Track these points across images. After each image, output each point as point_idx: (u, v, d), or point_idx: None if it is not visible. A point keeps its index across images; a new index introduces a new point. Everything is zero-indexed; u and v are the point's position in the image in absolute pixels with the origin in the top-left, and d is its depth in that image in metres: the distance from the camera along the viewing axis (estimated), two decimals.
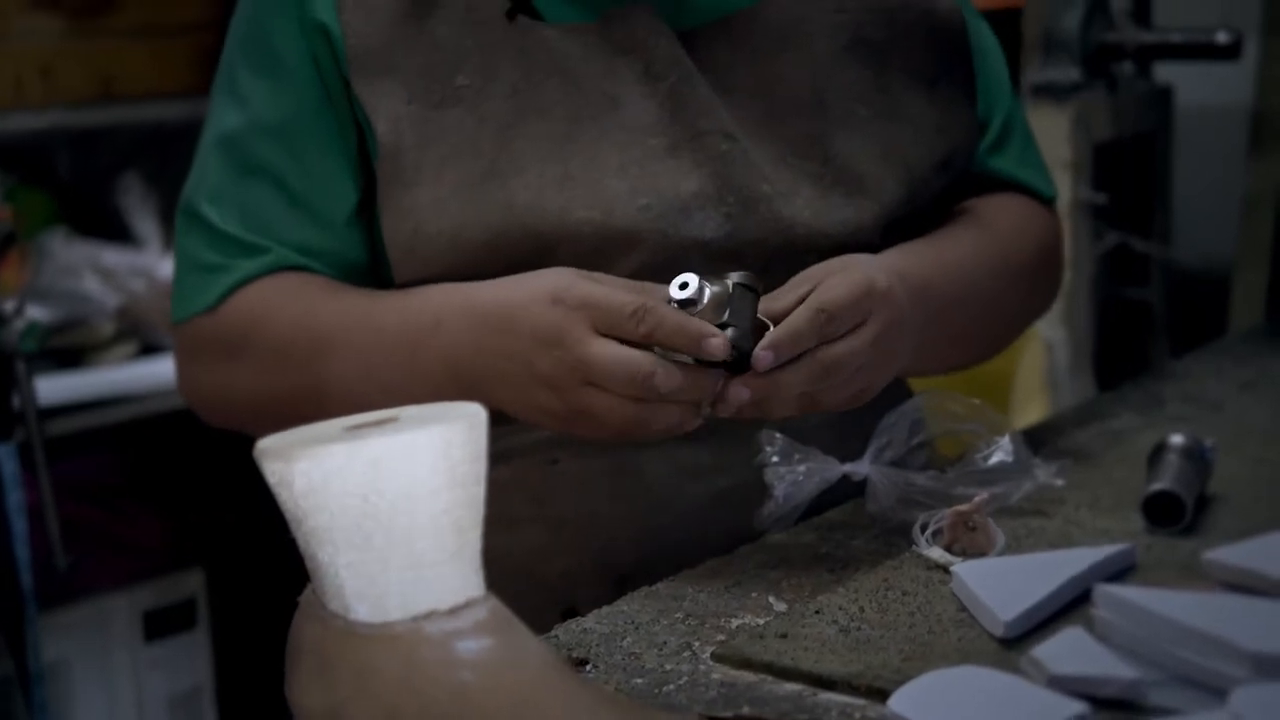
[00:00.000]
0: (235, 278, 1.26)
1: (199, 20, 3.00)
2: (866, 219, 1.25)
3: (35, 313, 2.43)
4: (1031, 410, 2.35)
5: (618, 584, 1.22)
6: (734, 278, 1.09)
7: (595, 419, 1.08)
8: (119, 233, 2.83)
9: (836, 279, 1.12)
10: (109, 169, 2.95)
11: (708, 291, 1.07)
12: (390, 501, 0.83)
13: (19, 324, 1.70)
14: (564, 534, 1.25)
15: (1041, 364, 2.39)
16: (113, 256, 2.64)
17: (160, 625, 2.60)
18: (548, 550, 1.26)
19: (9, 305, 1.72)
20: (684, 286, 1.07)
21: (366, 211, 1.27)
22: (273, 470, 0.84)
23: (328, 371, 1.20)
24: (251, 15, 1.29)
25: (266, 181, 1.26)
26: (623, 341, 1.06)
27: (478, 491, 0.85)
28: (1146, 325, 2.67)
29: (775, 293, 1.13)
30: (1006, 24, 2.43)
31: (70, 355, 2.47)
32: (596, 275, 1.10)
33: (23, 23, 2.98)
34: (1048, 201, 1.46)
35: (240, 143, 1.27)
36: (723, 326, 1.07)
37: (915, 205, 1.30)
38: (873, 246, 1.24)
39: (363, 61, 1.22)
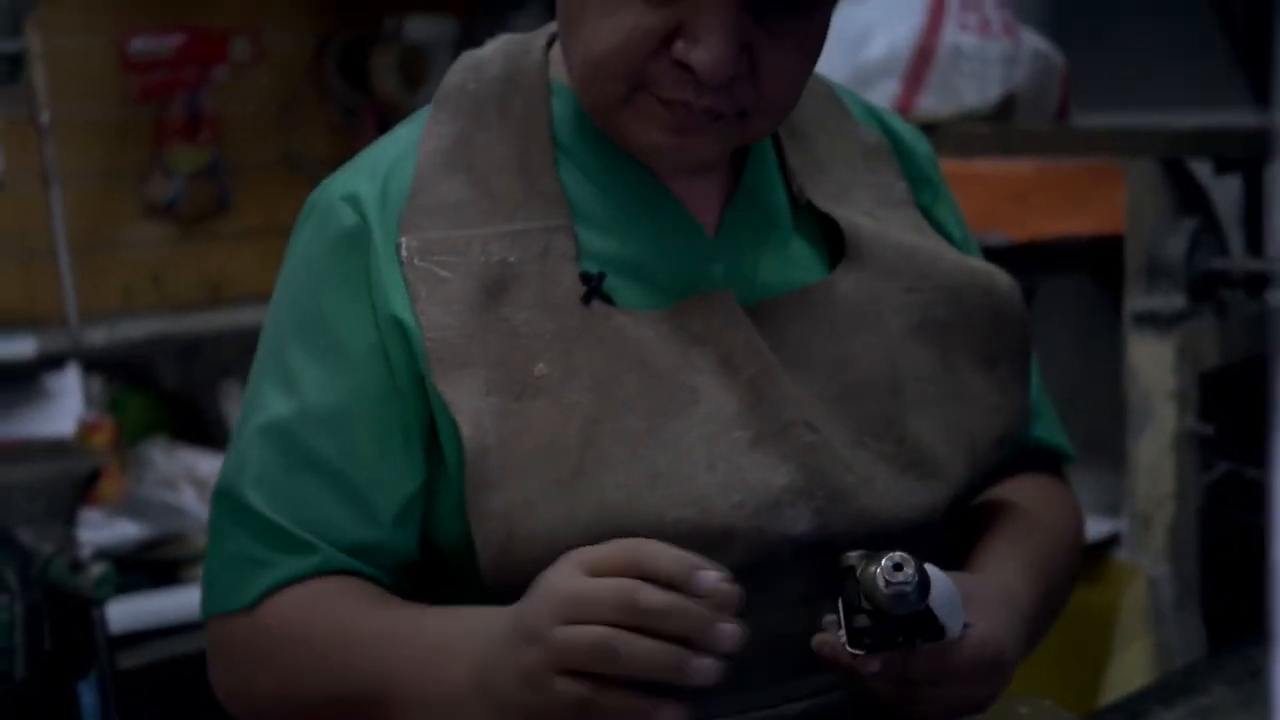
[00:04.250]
0: (276, 576, 1.20)
1: None
2: (938, 501, 1.25)
3: (131, 528, 2.46)
4: (1134, 650, 2.28)
5: None
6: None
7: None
8: (219, 440, 2.86)
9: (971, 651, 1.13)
10: (212, 375, 2.99)
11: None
12: None
13: (95, 570, 1.72)
14: None
15: (1145, 601, 2.31)
16: (209, 465, 2.66)
17: None
18: None
19: (86, 551, 1.73)
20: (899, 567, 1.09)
21: (420, 505, 1.23)
22: None
23: (359, 678, 1.16)
24: (310, 298, 1.24)
25: (318, 473, 1.21)
26: None
27: None
28: (1260, 552, 2.58)
29: None
30: (1107, 250, 2.39)
31: (164, 569, 2.47)
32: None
33: (135, 231, 3.06)
34: (1069, 460, 1.48)
35: (291, 430, 1.22)
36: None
37: (975, 482, 1.30)
38: (939, 525, 1.26)
39: (441, 356, 1.18)
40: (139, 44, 2.97)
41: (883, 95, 2.55)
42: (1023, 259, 2.52)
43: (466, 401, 1.17)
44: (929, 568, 1.10)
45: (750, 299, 1.26)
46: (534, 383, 1.18)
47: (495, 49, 1.32)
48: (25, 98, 2.71)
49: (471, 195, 1.24)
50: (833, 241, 1.31)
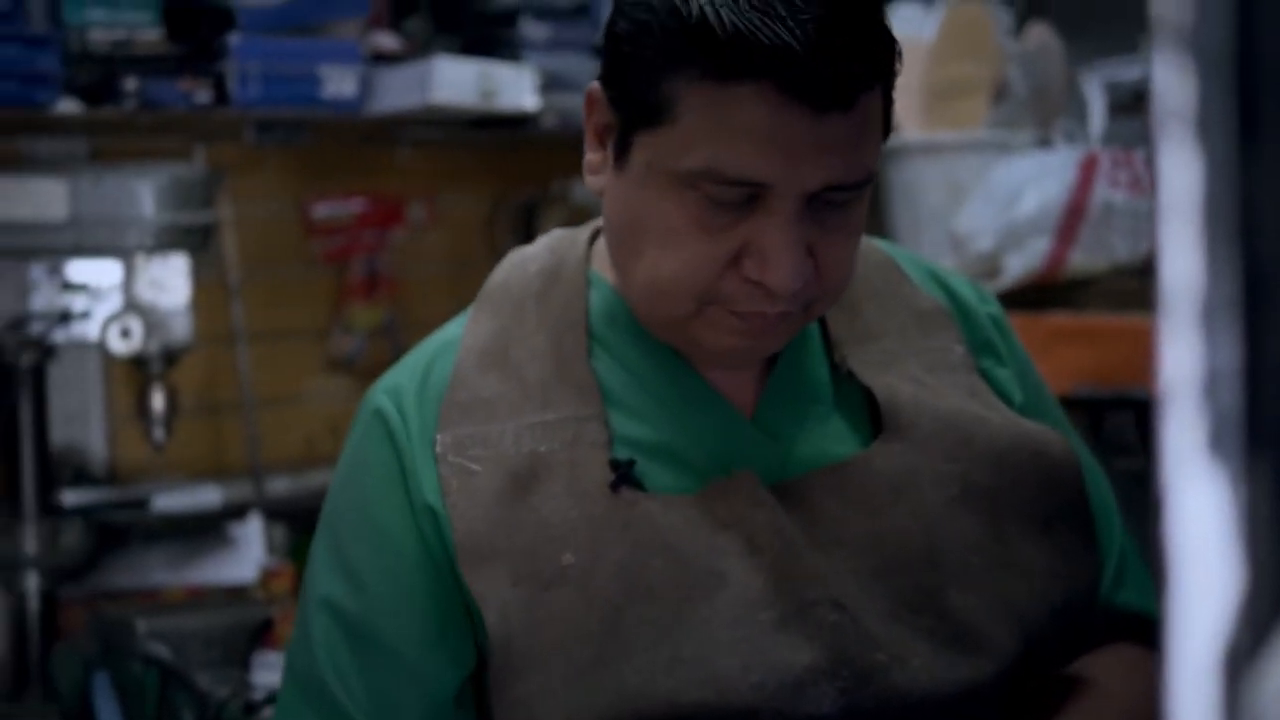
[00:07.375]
0: None
1: None
2: (980, 676, 1.21)
3: None
4: None
5: None
6: None
7: None
8: None
9: None
10: None
11: None
12: None
13: (265, 714, 1.82)
14: None
15: None
16: None
17: None
18: None
19: (258, 694, 1.84)
20: None
21: (473, 687, 1.25)
22: None
23: None
24: (357, 485, 1.29)
25: (383, 656, 1.23)
26: None
27: None
28: None
29: None
30: None
31: None
32: None
33: (316, 385, 3.18)
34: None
35: (353, 616, 1.24)
36: None
37: (1033, 656, 1.25)
38: (990, 701, 1.22)
39: (469, 548, 1.20)
40: (322, 210, 3.11)
41: (1034, 251, 2.60)
42: None
43: (493, 593, 1.18)
44: None
45: (784, 476, 1.25)
46: (561, 572, 1.18)
47: (542, 244, 1.36)
48: (216, 263, 2.87)
49: (505, 388, 1.26)
50: (877, 411, 1.29)
